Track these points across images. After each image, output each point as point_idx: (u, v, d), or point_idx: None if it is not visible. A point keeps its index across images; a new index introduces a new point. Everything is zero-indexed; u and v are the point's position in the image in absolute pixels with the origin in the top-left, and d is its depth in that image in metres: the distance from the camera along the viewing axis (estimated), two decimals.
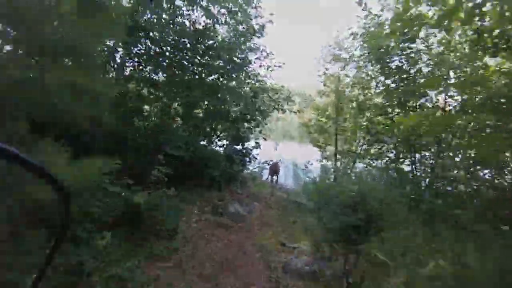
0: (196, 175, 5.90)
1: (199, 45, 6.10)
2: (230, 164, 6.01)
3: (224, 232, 4.23)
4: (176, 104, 6.59)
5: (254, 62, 7.25)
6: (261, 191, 6.86)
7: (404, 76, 5.95)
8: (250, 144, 6.57)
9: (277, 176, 9.27)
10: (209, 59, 6.55)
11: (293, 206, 5.25)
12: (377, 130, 6.59)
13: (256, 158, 6.64)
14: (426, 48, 5.60)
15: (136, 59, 6.05)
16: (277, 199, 6.35)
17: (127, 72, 6.10)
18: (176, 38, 5.92)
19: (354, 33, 6.16)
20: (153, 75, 6.52)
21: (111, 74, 5.73)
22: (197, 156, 5.56)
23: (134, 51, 6.04)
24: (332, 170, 7.65)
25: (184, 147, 5.21)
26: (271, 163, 8.90)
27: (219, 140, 6.89)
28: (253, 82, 7.51)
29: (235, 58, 6.56)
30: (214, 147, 6.83)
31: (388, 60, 5.63)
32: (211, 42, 6.25)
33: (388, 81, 6.71)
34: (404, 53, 5.29)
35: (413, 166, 6.00)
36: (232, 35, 6.66)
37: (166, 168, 3.77)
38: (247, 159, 6.48)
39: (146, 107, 6.52)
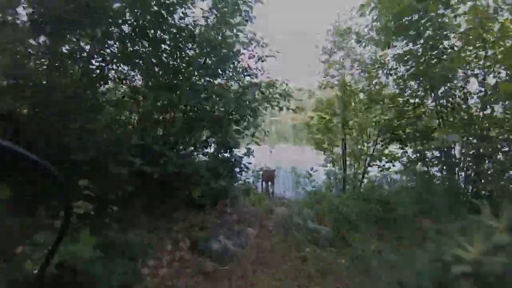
0: (172, 196, 4.60)
1: (170, 27, 4.86)
2: (215, 177, 4.69)
3: (205, 283, 2.91)
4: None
5: (243, 53, 6.03)
6: (257, 208, 5.57)
7: (427, 56, 4.78)
8: (240, 151, 5.27)
9: (273, 186, 8.06)
10: (187, 47, 5.40)
11: (299, 229, 3.96)
12: (395, 125, 5.38)
13: (248, 168, 5.32)
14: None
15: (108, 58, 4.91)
16: (277, 217, 5.05)
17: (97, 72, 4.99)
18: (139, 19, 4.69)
19: (366, 3, 4.93)
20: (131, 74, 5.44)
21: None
22: (172, 171, 4.25)
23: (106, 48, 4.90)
24: (341, 176, 6.40)
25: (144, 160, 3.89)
26: (265, 169, 7.85)
27: (204, 148, 5.57)
28: (242, 76, 6.26)
29: (223, 50, 5.35)
30: (198, 155, 5.52)
31: (413, 33, 4.40)
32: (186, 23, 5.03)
33: (402, 68, 5.58)
34: (439, 21, 4.08)
35: (447, 168, 4.78)
36: (216, 20, 5.45)
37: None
38: (237, 169, 5.17)
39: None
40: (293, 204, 6.13)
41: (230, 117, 5.32)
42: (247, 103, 5.38)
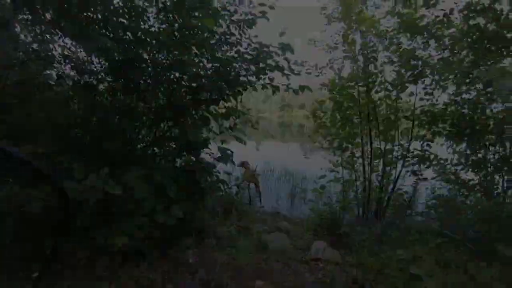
0: (84, 241, 2.48)
1: None
2: (165, 203, 2.59)
3: None
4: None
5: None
6: (239, 241, 3.54)
7: None
8: (212, 150, 3.16)
9: (259, 190, 6.08)
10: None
11: None
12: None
13: (226, 183, 3.23)
14: None
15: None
16: (276, 267, 3.04)
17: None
18: None
19: None
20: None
21: None
22: (73, 199, 2.13)
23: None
24: (362, 189, 4.42)
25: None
26: (241, 164, 6.02)
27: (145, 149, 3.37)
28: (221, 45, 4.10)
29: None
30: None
31: None
32: None
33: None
34: None
35: None
36: None
37: None
38: (207, 183, 3.04)
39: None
40: (297, 231, 4.15)
41: (198, 96, 3.23)
42: (228, 73, 3.27)
